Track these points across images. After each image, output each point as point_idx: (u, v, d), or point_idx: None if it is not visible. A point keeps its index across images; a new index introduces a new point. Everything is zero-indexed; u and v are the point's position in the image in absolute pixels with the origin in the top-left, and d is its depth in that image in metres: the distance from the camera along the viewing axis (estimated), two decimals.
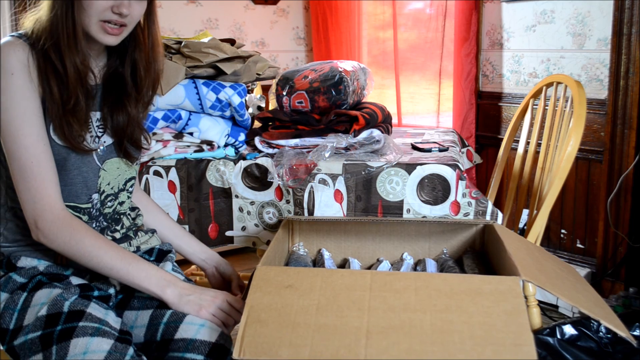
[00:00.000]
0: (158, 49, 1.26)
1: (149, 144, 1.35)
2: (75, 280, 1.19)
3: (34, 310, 1.10)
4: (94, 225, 1.24)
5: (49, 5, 1.12)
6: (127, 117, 1.24)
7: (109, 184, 1.25)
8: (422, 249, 1.51)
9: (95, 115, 1.22)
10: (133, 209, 1.37)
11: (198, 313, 1.14)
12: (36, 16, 1.14)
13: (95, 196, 1.23)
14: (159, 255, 1.33)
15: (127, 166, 1.29)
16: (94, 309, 1.11)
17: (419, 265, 1.45)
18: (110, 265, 1.14)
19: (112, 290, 1.22)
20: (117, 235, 1.28)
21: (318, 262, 1.47)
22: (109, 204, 1.26)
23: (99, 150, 1.22)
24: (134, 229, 1.33)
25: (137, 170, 1.33)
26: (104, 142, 1.23)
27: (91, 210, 1.23)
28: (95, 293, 1.18)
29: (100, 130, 1.23)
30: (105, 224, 1.26)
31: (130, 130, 1.25)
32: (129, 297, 1.23)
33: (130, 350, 1.05)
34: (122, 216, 1.30)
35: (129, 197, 1.33)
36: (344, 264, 1.51)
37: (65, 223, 1.13)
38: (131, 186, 1.32)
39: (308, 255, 1.50)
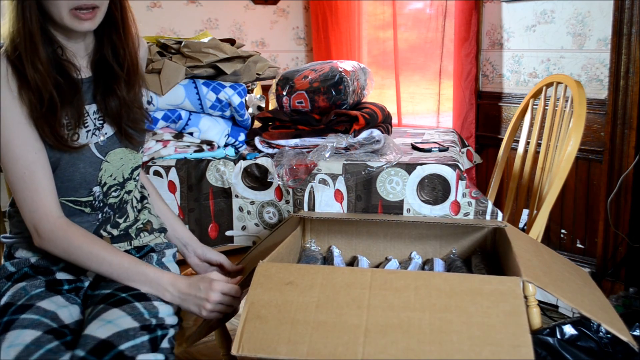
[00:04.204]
0: (128, 22, 1.24)
1: (150, 122, 1.35)
2: (62, 275, 1.22)
3: (2, 300, 1.14)
4: (99, 217, 1.25)
5: (8, 8, 1.12)
6: (118, 101, 1.24)
7: (111, 175, 1.26)
8: (433, 248, 1.51)
9: (92, 108, 1.23)
10: (142, 199, 1.37)
11: (199, 315, 1.20)
12: (4, 22, 1.14)
13: (97, 189, 1.24)
14: (147, 254, 1.33)
15: (131, 155, 1.29)
16: (51, 302, 1.13)
17: (427, 264, 1.46)
18: (109, 271, 1.17)
19: (87, 283, 1.24)
20: (115, 232, 1.28)
21: (328, 259, 1.47)
22: (114, 194, 1.27)
23: (99, 141, 1.23)
24: (136, 227, 1.33)
25: (141, 157, 1.34)
26: (105, 133, 1.24)
27: (93, 202, 1.24)
28: (66, 287, 1.20)
29: (100, 121, 1.24)
30: (111, 213, 1.28)
31: (126, 112, 1.25)
32: None
33: (54, 344, 1.03)
34: (126, 205, 1.31)
35: (136, 186, 1.34)
36: (353, 262, 1.51)
37: (62, 231, 1.15)
38: (137, 174, 1.33)
39: (319, 252, 1.50)
